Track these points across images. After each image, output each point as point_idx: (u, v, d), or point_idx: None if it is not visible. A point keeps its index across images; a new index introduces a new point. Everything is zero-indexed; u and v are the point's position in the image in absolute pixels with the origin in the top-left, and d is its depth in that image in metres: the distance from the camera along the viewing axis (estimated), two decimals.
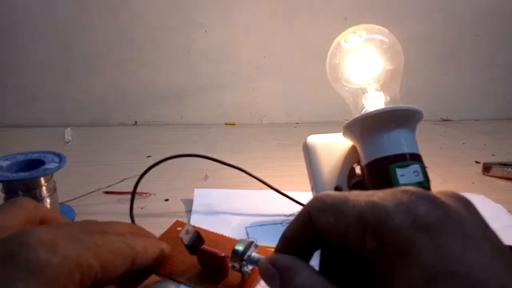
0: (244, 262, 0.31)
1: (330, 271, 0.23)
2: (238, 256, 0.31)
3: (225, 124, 0.88)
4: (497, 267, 0.16)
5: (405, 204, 0.19)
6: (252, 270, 0.32)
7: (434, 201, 0.19)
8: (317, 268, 0.24)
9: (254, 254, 0.31)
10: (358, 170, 0.41)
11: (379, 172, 0.36)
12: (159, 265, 0.35)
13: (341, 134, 0.41)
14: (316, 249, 0.24)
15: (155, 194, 0.51)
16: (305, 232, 0.23)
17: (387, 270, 0.18)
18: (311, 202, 0.22)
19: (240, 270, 0.31)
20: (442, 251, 0.17)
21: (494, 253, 0.17)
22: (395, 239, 0.18)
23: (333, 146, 0.42)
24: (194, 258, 0.35)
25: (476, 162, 0.67)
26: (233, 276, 0.34)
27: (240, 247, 0.31)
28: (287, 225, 0.25)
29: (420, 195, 0.19)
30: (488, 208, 0.50)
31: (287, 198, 0.46)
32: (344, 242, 0.20)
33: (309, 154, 0.42)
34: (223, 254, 0.33)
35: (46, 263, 0.23)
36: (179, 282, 0.34)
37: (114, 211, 0.47)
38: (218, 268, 0.33)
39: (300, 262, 0.23)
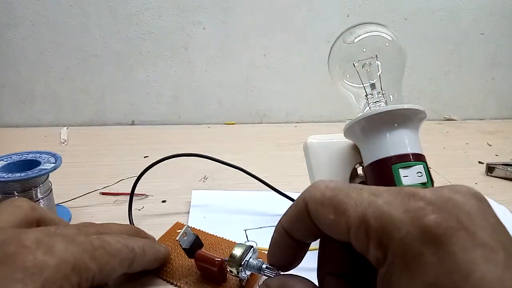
0: (241, 268, 0.30)
1: (330, 265, 0.22)
2: (236, 261, 0.30)
3: (224, 123, 0.88)
4: (508, 279, 0.15)
5: (413, 212, 0.17)
6: (250, 275, 0.32)
7: (444, 206, 0.17)
8: (315, 270, 0.23)
9: (252, 260, 0.30)
10: (360, 171, 0.41)
11: (382, 173, 0.35)
12: (157, 268, 0.34)
13: (342, 134, 0.40)
14: (315, 239, 0.22)
15: (152, 195, 0.50)
16: (303, 222, 0.21)
17: (390, 282, 0.17)
18: (308, 191, 0.21)
19: (237, 275, 0.30)
20: (449, 266, 0.16)
21: (508, 262, 0.16)
22: (400, 252, 0.17)
23: (334, 147, 0.41)
24: (192, 262, 0.34)
25: (480, 162, 0.67)
26: (232, 281, 0.33)
27: (237, 252, 0.30)
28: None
29: (429, 201, 0.18)
30: None
31: (287, 199, 0.45)
32: (345, 240, 0.19)
33: (309, 154, 0.41)
34: (221, 259, 0.32)
35: (44, 265, 0.23)
36: (176, 286, 0.33)
37: (111, 212, 0.47)
38: (216, 273, 0.32)
39: (291, 279, 0.22)
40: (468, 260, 0.16)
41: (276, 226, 0.23)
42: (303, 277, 0.22)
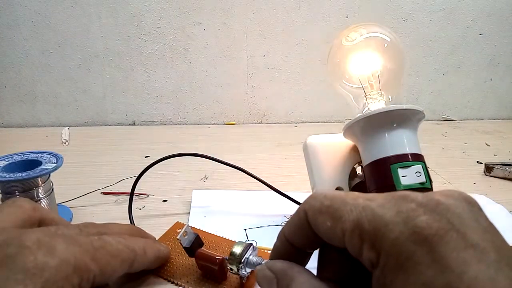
0: (241, 265, 0.30)
1: (328, 271, 0.23)
2: (236, 259, 0.30)
3: (224, 124, 0.88)
4: (501, 280, 0.15)
5: (405, 214, 0.18)
6: (250, 273, 0.32)
7: (435, 209, 0.18)
8: (315, 269, 0.23)
9: (252, 257, 0.30)
10: (359, 170, 0.41)
11: (381, 173, 0.35)
12: (158, 267, 0.34)
13: (341, 134, 0.41)
14: (315, 248, 0.23)
15: (153, 195, 0.51)
16: (303, 231, 0.22)
17: (385, 283, 0.17)
18: (308, 201, 0.22)
19: (237, 273, 0.31)
20: (442, 266, 0.16)
21: (500, 263, 0.16)
22: (393, 253, 0.17)
23: (334, 147, 0.41)
24: (193, 261, 0.34)
25: (478, 162, 0.67)
26: (232, 280, 0.33)
27: (237, 250, 0.31)
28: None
29: (420, 202, 0.18)
30: (490, 209, 0.50)
31: (287, 199, 0.45)
32: (342, 245, 0.20)
33: (309, 154, 0.42)
34: (221, 257, 0.32)
35: (44, 266, 0.23)
36: (177, 285, 0.33)
37: (112, 212, 0.47)
38: (216, 271, 0.32)
39: (297, 266, 0.23)
40: (460, 260, 0.16)
41: (278, 235, 0.24)
42: (305, 268, 0.23)
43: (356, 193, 0.21)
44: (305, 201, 0.22)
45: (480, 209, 0.19)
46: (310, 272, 0.22)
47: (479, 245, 0.16)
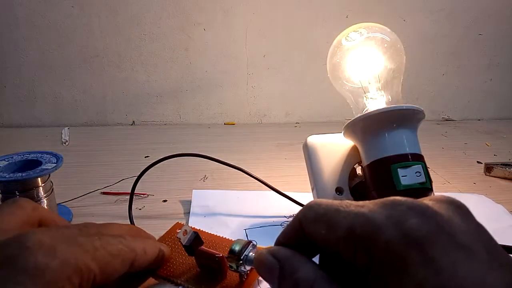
0: (241, 262, 0.30)
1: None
2: (235, 256, 0.30)
3: (224, 124, 0.88)
4: (492, 279, 0.16)
5: (395, 217, 0.18)
6: (250, 270, 0.32)
7: (424, 212, 0.18)
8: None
9: (252, 254, 0.30)
10: (359, 170, 0.41)
11: (381, 173, 0.35)
12: (158, 267, 0.34)
13: (341, 134, 0.41)
14: (312, 256, 0.23)
15: (153, 195, 0.51)
16: (299, 239, 0.22)
17: (380, 286, 0.18)
18: (302, 211, 0.22)
19: (237, 270, 0.31)
20: (434, 266, 0.16)
21: (491, 263, 0.16)
22: (386, 255, 0.18)
23: (334, 147, 0.41)
24: (192, 260, 0.34)
25: (478, 162, 0.67)
26: (232, 277, 0.33)
27: (236, 247, 0.30)
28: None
29: (410, 206, 0.19)
30: (490, 209, 0.50)
31: (287, 199, 0.45)
32: (336, 252, 0.20)
33: (309, 154, 0.42)
34: (221, 255, 0.32)
35: (45, 267, 0.22)
36: (177, 284, 0.33)
37: (112, 212, 0.47)
38: (216, 269, 0.32)
39: (301, 255, 0.22)
40: (451, 261, 0.16)
41: (274, 243, 0.24)
42: (309, 259, 0.22)
43: (348, 201, 0.21)
44: (300, 211, 0.22)
45: (468, 212, 0.19)
46: (315, 263, 0.22)
47: (469, 246, 0.17)
